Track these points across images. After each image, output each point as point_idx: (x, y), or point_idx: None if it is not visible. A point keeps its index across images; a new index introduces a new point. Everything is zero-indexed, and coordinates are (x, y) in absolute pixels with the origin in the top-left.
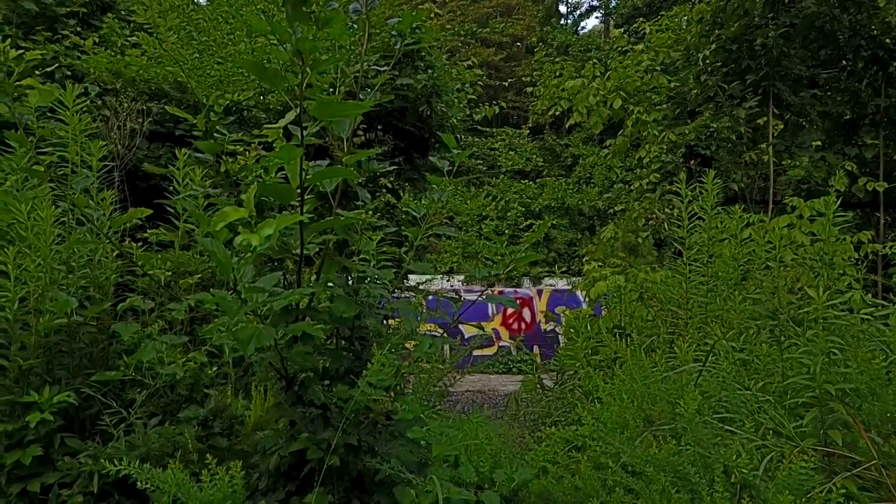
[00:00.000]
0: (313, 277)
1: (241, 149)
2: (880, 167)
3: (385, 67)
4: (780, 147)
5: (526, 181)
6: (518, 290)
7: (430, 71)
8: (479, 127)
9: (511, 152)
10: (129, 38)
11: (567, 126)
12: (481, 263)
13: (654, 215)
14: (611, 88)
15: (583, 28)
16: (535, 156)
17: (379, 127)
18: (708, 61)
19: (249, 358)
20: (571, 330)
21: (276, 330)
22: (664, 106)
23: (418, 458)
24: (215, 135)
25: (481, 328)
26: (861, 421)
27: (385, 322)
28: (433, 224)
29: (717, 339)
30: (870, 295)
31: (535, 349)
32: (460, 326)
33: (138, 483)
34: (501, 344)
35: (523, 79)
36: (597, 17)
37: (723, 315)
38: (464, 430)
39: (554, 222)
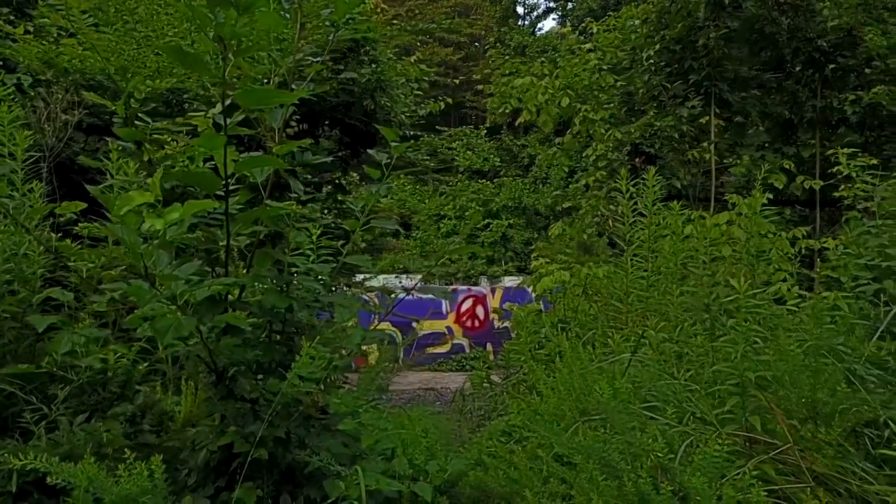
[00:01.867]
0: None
1: (169, 138)
2: (816, 166)
3: (319, 59)
4: (722, 146)
5: (484, 181)
6: (472, 287)
7: (374, 65)
8: (437, 126)
9: (469, 152)
10: (62, 28)
11: (517, 124)
12: (416, 258)
13: (600, 212)
14: (559, 87)
15: (540, 29)
16: (492, 156)
17: (326, 122)
18: (652, 61)
19: (178, 351)
20: (517, 325)
21: (201, 321)
22: (612, 105)
23: (354, 451)
24: (137, 122)
25: (417, 321)
26: (780, 406)
27: (331, 317)
28: (372, 217)
29: (644, 331)
30: (797, 288)
31: (489, 346)
32: (413, 324)
33: (48, 479)
34: (455, 342)
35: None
36: (554, 19)
37: (661, 308)
38: (398, 424)
39: (511, 222)
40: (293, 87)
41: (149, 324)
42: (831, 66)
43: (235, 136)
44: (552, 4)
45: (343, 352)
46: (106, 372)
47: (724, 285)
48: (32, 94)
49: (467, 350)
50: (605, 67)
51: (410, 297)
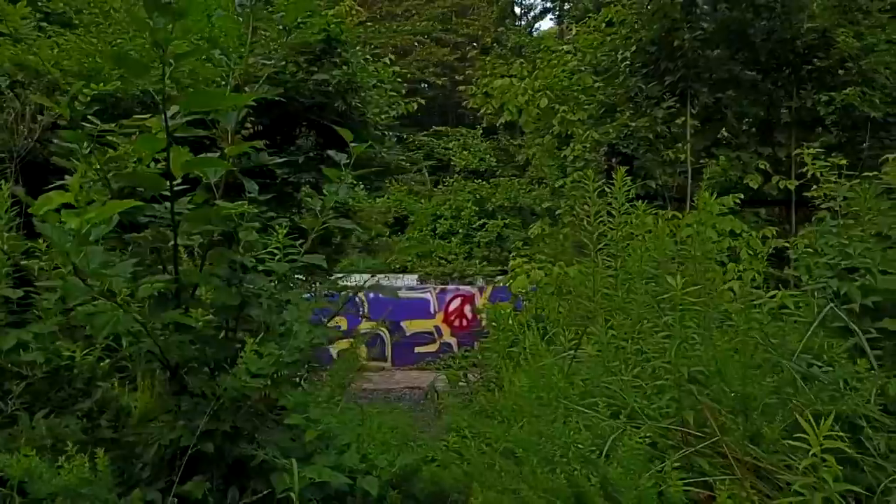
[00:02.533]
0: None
1: (116, 139)
2: (792, 166)
3: (272, 62)
4: (699, 146)
5: (480, 181)
6: (460, 287)
7: (345, 67)
8: (435, 127)
9: (465, 152)
10: (42, 30)
11: (499, 125)
12: (364, 256)
13: (576, 212)
14: (538, 88)
15: (537, 29)
16: (488, 156)
17: (304, 123)
18: (628, 62)
19: (129, 349)
20: (493, 324)
21: (149, 319)
22: (590, 106)
23: (312, 446)
24: (85, 124)
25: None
26: (713, 399)
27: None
28: (330, 217)
29: (586, 328)
30: (762, 285)
31: (477, 345)
32: (402, 323)
33: None
34: (443, 341)
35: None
36: (551, 19)
37: (625, 307)
38: (357, 420)
39: (507, 222)
40: (246, 89)
41: (87, 319)
42: (807, 67)
43: (193, 138)
44: (549, 4)
45: (295, 349)
46: (72, 369)
47: (693, 284)
48: (10, 95)
49: (456, 349)
50: (584, 68)
51: (402, 295)
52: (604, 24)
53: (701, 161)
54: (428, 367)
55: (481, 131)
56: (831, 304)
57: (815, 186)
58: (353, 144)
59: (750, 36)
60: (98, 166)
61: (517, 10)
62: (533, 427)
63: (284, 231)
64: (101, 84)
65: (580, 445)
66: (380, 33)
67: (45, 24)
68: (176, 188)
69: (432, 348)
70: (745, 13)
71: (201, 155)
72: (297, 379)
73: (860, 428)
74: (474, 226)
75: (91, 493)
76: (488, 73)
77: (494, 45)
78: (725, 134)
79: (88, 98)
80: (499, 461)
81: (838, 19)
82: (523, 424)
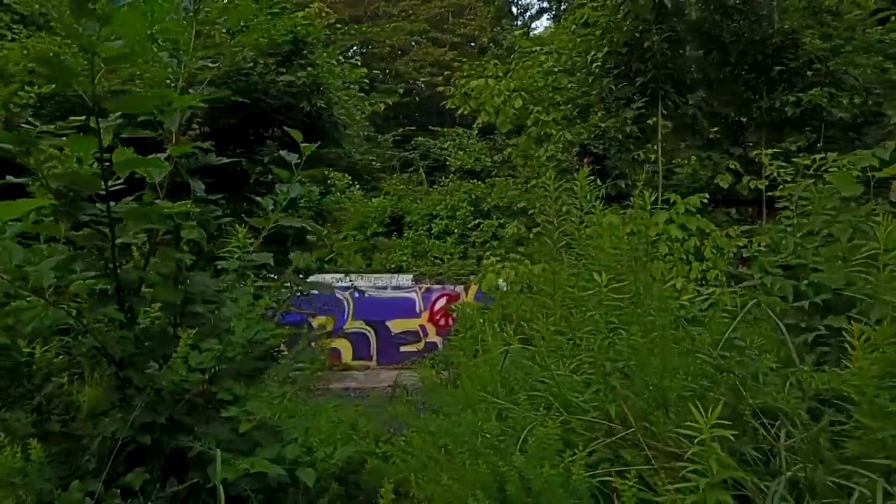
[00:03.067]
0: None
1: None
2: (763, 166)
3: (218, 64)
4: (670, 147)
5: (476, 181)
6: (446, 286)
7: (310, 69)
8: (430, 127)
9: (460, 152)
10: (15, 32)
11: (476, 125)
12: (305, 255)
13: (546, 212)
14: (513, 89)
15: (534, 29)
16: (483, 156)
17: (276, 123)
18: (599, 63)
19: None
20: (460, 322)
21: (84, 314)
22: (565, 107)
23: (258, 438)
24: (23, 126)
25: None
26: (635, 392)
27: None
28: (281, 217)
29: (520, 325)
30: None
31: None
32: (387, 323)
33: None
34: (429, 340)
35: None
36: (547, 19)
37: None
38: (302, 413)
39: (502, 221)
40: (190, 91)
41: (11, 315)
42: (777, 68)
43: (151, 139)
44: (545, 4)
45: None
46: (31, 365)
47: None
48: None
49: (441, 348)
50: (559, 69)
51: (387, 294)
52: (574, 26)
53: (673, 161)
54: (413, 367)
55: (477, 131)
56: (755, 301)
57: (780, 187)
58: (303, 145)
59: (720, 37)
60: (35, 166)
61: (514, 10)
62: (454, 420)
63: (245, 230)
64: (36, 87)
65: (488, 435)
66: (349, 35)
67: (20, 26)
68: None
69: (417, 347)
70: (713, 14)
71: (152, 155)
72: (256, 373)
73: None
74: (469, 226)
75: (24, 483)
76: (465, 73)
77: (491, 45)
78: (697, 134)
79: (25, 101)
80: (434, 454)
81: (806, 21)
82: (457, 418)
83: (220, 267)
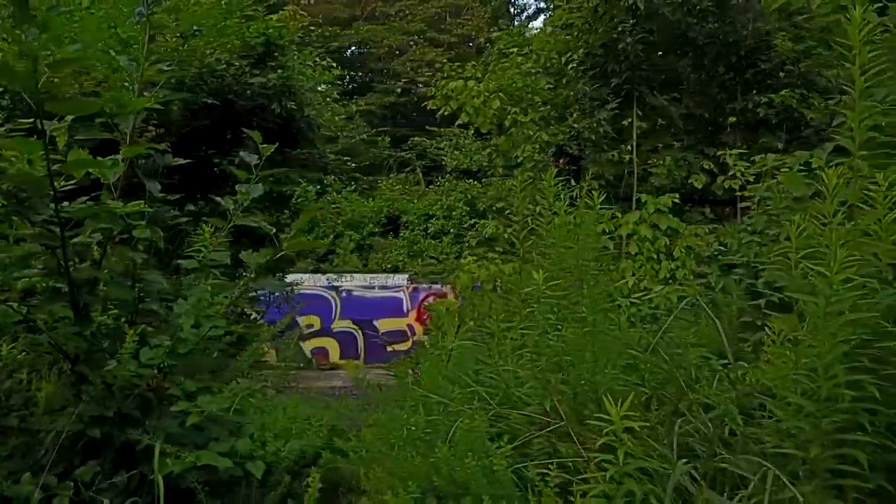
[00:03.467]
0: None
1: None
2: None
3: (171, 66)
4: (646, 148)
5: (472, 181)
6: (433, 286)
7: (280, 70)
8: (427, 127)
9: (456, 152)
10: None
11: (456, 125)
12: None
13: (522, 212)
14: (491, 90)
15: (530, 30)
16: (478, 156)
17: (253, 124)
18: (574, 65)
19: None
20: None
21: (34, 311)
22: (543, 108)
23: (214, 432)
24: None
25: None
26: (570, 386)
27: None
28: (238, 217)
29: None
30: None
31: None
32: (375, 322)
33: None
34: (416, 339)
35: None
36: (544, 20)
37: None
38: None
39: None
40: (145, 93)
41: None
42: (751, 70)
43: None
44: (542, 5)
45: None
46: None
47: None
48: None
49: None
50: (538, 70)
51: (374, 294)
52: (550, 28)
53: (648, 161)
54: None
55: (473, 131)
56: (693, 296)
57: (749, 187)
58: (262, 146)
59: (695, 40)
60: None
61: (511, 10)
62: (388, 415)
63: (211, 230)
64: None
65: (413, 428)
66: (324, 37)
67: None
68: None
69: (405, 346)
70: (686, 17)
71: (110, 157)
72: (214, 369)
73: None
74: (465, 225)
75: None
76: (446, 74)
77: (488, 45)
78: (672, 135)
79: None
80: (382, 447)
81: (778, 23)
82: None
83: (182, 266)
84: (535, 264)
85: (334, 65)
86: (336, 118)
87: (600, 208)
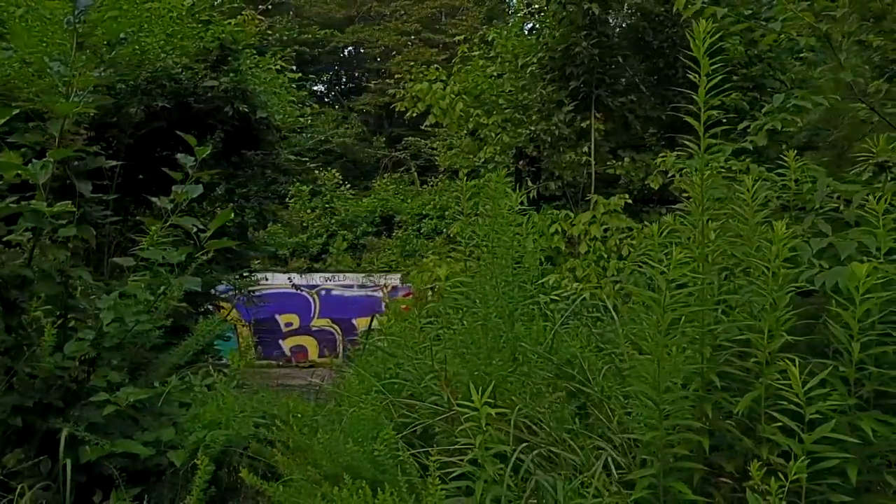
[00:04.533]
0: None
1: None
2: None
3: (100, 72)
4: (605, 149)
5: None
6: (411, 285)
7: (232, 74)
8: (422, 127)
9: (449, 152)
10: None
11: (423, 127)
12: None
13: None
14: (456, 92)
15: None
16: (472, 156)
17: (216, 126)
18: (533, 69)
19: None
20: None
21: None
22: (507, 110)
23: (145, 424)
24: None
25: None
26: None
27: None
28: (175, 218)
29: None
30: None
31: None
32: (353, 321)
33: None
34: None
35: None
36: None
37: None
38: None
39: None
40: (75, 98)
41: None
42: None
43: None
44: (537, 5)
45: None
46: None
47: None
48: None
49: None
50: (503, 73)
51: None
52: (514, 32)
53: (608, 163)
54: None
55: (466, 131)
56: (583, 296)
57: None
58: (197, 147)
59: (651, 44)
60: None
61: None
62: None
63: (157, 228)
64: None
65: (300, 415)
66: (281, 41)
67: None
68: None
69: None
70: (641, 22)
71: (44, 159)
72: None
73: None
74: None
75: None
76: (413, 76)
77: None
78: (630, 137)
79: None
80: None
81: (731, 28)
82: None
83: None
84: (477, 263)
85: (293, 67)
86: (301, 119)
87: (554, 208)
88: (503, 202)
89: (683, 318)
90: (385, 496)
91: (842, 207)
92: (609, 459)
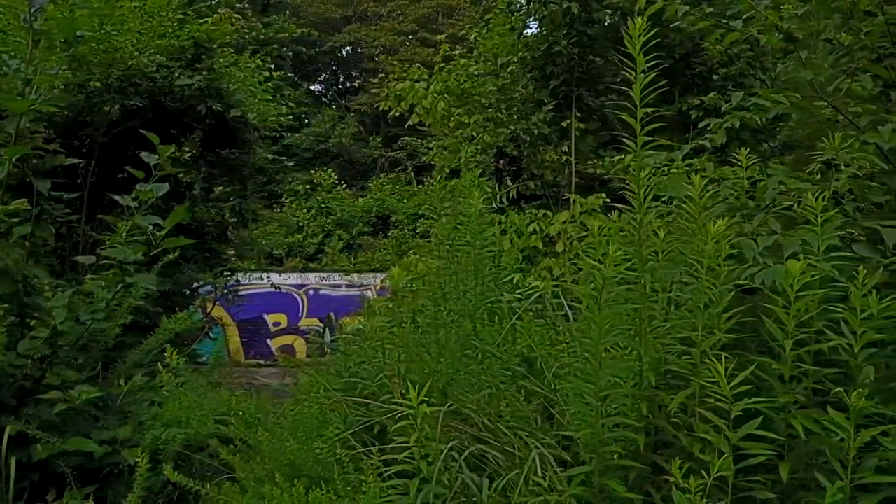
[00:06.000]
0: None
1: None
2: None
3: (56, 71)
4: (586, 148)
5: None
6: None
7: (205, 73)
8: (418, 127)
9: (445, 151)
10: None
11: (407, 126)
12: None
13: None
14: (437, 91)
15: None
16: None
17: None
18: (513, 68)
19: None
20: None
21: None
22: (489, 109)
23: (105, 423)
24: None
25: None
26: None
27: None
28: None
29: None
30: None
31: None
32: (343, 320)
33: None
34: None
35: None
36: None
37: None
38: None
39: None
40: (33, 96)
41: None
42: (688, 72)
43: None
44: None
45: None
46: None
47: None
48: None
49: None
50: (485, 73)
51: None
52: (497, 32)
53: (589, 162)
54: None
55: (448, 130)
56: (539, 294)
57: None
58: (160, 146)
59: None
60: None
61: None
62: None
63: (124, 226)
64: None
65: (241, 413)
66: (258, 40)
67: None
68: None
69: None
70: (621, 21)
71: None
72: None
73: None
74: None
75: None
76: (397, 76)
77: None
78: (612, 136)
79: None
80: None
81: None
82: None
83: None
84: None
85: (271, 66)
86: (282, 119)
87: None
88: (471, 202)
89: (622, 314)
90: (317, 494)
91: (795, 206)
92: (544, 457)
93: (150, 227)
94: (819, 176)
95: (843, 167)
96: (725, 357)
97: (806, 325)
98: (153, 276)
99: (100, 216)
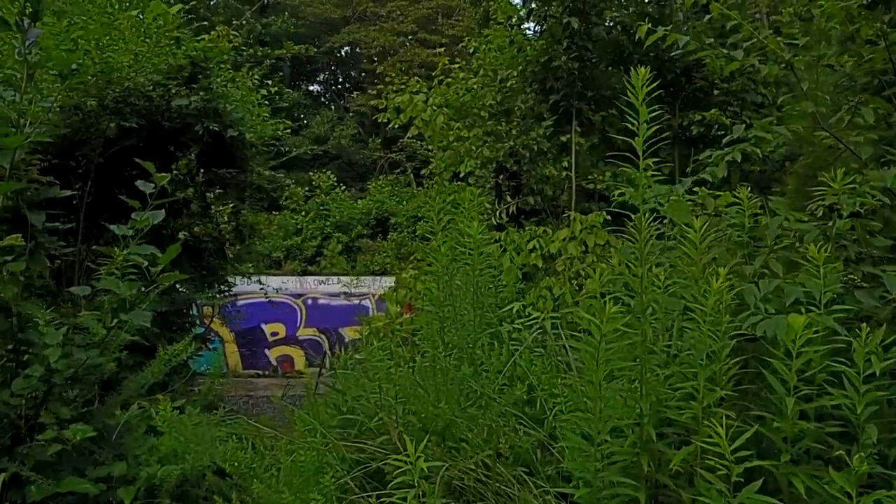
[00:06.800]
0: None
1: None
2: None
3: (51, 103)
4: (586, 162)
5: (462, 184)
6: None
7: (202, 93)
8: (408, 137)
9: (429, 166)
10: None
11: (406, 139)
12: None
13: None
14: (436, 104)
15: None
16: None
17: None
18: (513, 83)
19: None
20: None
21: None
22: (489, 123)
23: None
24: None
25: None
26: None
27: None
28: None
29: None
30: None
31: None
32: (340, 330)
33: None
34: None
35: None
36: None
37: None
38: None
39: None
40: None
41: None
42: (690, 87)
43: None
44: (532, 7)
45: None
46: None
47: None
48: None
49: None
50: (481, 87)
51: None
52: (497, 45)
53: (589, 177)
54: None
55: (446, 144)
56: (541, 328)
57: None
58: (158, 175)
59: (631, 58)
60: None
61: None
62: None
63: (125, 254)
64: None
65: (236, 463)
66: (254, 57)
67: None
68: None
69: None
70: (620, 35)
71: None
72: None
73: None
74: None
75: None
76: (396, 88)
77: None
78: (613, 151)
79: None
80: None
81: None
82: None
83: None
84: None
85: (268, 82)
86: (279, 133)
87: (534, 224)
88: (470, 228)
89: (621, 369)
90: None
91: (797, 243)
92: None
93: (146, 264)
94: (821, 213)
95: (844, 208)
96: (726, 416)
97: (809, 380)
98: (148, 312)
99: (94, 247)
